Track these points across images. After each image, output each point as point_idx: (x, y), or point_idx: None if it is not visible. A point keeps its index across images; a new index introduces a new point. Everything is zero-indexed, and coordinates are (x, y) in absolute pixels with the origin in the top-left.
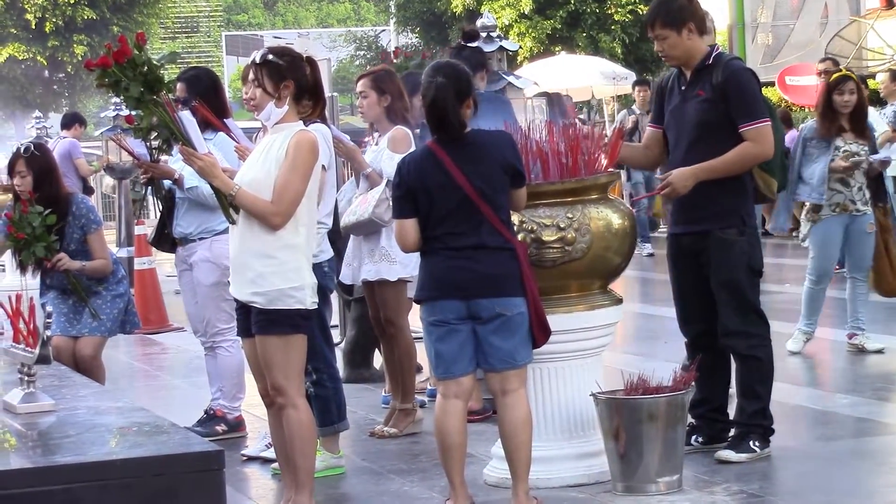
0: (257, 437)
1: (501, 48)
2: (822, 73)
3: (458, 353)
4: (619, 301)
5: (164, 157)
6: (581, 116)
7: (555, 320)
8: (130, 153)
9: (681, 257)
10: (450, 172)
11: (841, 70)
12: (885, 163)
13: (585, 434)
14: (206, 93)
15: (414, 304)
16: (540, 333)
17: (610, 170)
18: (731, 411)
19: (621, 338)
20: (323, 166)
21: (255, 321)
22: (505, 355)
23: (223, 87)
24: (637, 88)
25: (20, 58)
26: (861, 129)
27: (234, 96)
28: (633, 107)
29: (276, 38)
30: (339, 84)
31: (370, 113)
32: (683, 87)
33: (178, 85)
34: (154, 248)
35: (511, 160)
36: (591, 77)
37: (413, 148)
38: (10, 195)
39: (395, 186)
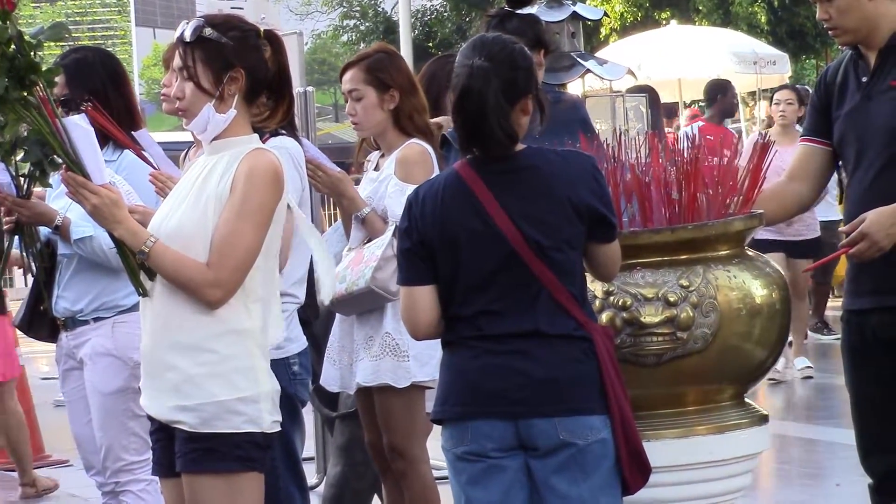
0: None
1: (575, 16)
2: None
3: (502, 503)
4: (762, 419)
5: (39, 190)
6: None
7: (659, 450)
8: None
9: (866, 349)
10: (488, 214)
11: None
12: None
13: None
14: (101, 87)
15: (434, 425)
16: (634, 473)
17: (751, 211)
18: None
19: (766, 476)
20: (289, 206)
21: (181, 452)
22: None
23: (128, 77)
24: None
25: None
26: None
27: (147, 92)
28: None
29: None
30: (317, 72)
31: (368, 121)
32: (865, 79)
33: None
34: (23, 335)
35: (590, 198)
36: (719, 60)
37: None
38: None
39: (403, 234)
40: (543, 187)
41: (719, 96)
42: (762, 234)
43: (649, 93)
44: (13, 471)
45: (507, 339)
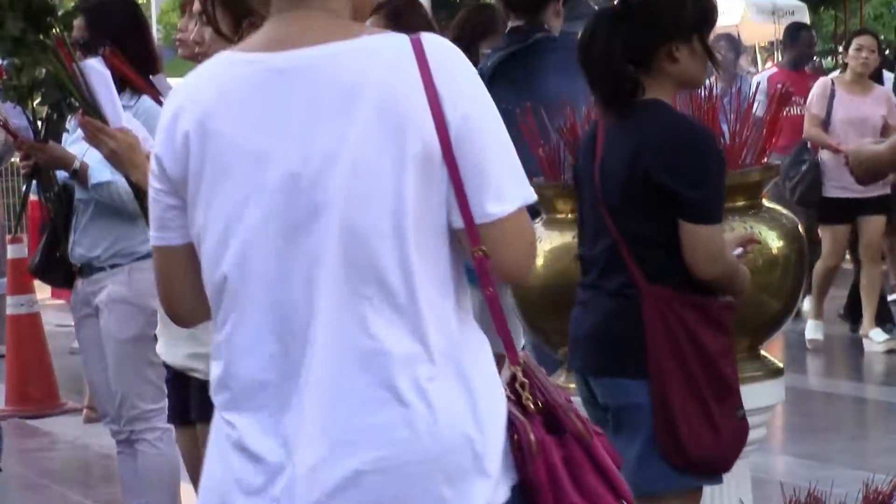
0: None
1: None
2: None
3: None
4: (777, 372)
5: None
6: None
7: None
8: (3, 127)
9: None
10: (593, 160)
11: None
12: None
13: None
14: (121, 32)
15: None
16: (671, 449)
17: (765, 161)
18: None
19: (779, 429)
20: None
21: (196, 401)
22: (629, 472)
23: (147, 23)
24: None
25: None
26: None
27: (165, 38)
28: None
29: None
30: None
31: None
32: None
33: (78, 20)
34: (38, 281)
35: (655, 168)
36: (737, 9)
37: None
38: None
39: None
40: (625, 148)
41: (790, 41)
42: (832, 191)
43: None
44: (30, 418)
45: (585, 288)
